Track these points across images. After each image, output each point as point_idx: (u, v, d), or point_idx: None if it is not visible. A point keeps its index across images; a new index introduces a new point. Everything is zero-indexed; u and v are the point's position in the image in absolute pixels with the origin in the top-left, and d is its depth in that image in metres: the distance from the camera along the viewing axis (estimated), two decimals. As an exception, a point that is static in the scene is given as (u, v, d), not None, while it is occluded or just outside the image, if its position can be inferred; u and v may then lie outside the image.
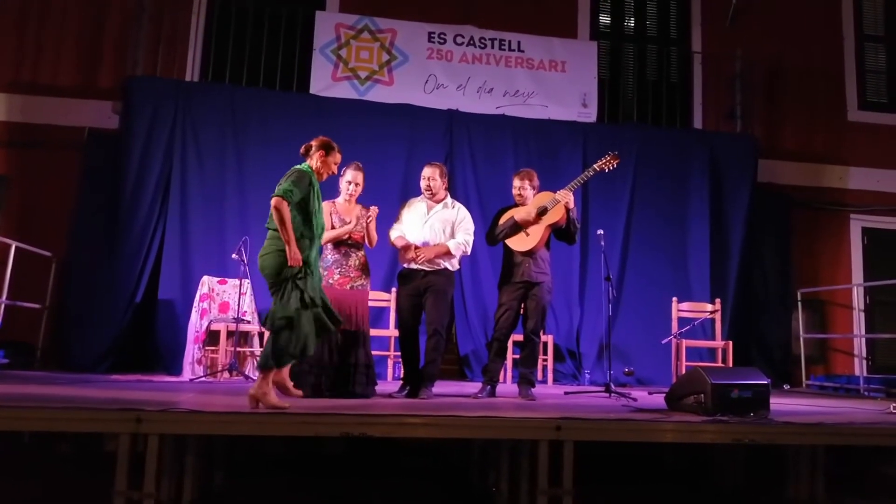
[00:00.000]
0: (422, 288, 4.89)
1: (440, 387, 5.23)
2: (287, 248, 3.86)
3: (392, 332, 6.46)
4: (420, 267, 4.90)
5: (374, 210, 4.80)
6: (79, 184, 7.11)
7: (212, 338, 6.16)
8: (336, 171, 4.30)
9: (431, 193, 5.03)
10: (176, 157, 7.01)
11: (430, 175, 5.02)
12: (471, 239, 5.06)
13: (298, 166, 4.10)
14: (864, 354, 8.37)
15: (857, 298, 8.45)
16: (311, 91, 7.52)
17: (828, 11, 9.19)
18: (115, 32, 7.74)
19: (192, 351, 6.11)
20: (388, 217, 5.16)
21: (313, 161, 4.13)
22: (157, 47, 7.62)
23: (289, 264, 3.87)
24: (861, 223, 8.79)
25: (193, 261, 6.86)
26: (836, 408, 5.06)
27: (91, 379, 5.49)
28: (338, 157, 4.22)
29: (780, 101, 8.88)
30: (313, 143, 4.16)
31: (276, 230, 3.93)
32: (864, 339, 8.42)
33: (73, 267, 6.88)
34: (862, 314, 8.49)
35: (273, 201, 3.89)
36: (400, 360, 5.32)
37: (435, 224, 4.98)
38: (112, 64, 7.67)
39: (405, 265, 4.99)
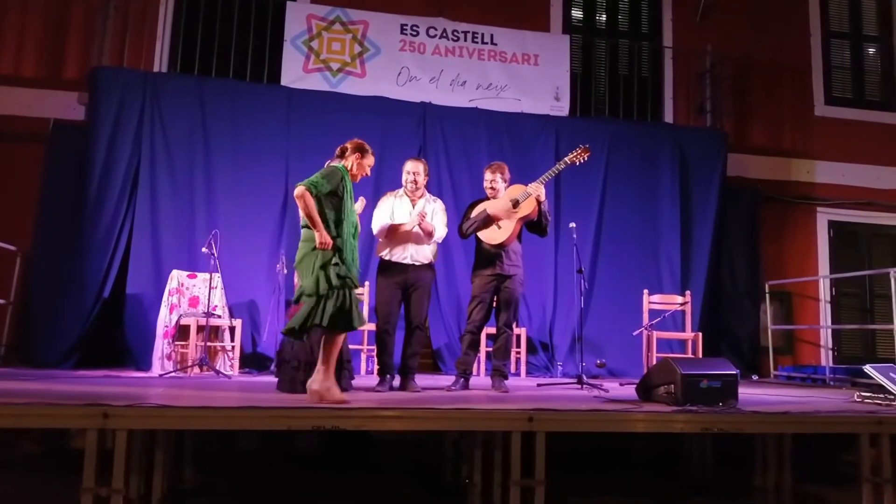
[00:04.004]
0: (409, 282, 4.88)
1: (413, 380, 5.22)
2: (316, 234, 3.82)
3: (367, 325, 6.39)
4: (408, 261, 4.87)
5: (361, 201, 4.76)
6: (44, 176, 6.96)
7: (181, 333, 6.08)
8: (369, 174, 4.25)
9: (416, 188, 5.02)
10: (144, 149, 6.88)
11: (416, 170, 5.01)
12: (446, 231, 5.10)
13: (334, 164, 4.07)
14: (830, 345, 8.55)
15: (824, 290, 8.63)
16: (282, 83, 7.43)
17: (795, 8, 9.34)
18: (80, 21, 7.56)
19: (161, 346, 6.03)
20: (366, 210, 5.10)
21: (349, 163, 4.10)
22: (124, 37, 7.47)
23: (316, 247, 3.82)
24: (827, 216, 8.95)
25: (162, 255, 6.75)
26: (802, 397, 5.16)
27: (57, 375, 5.39)
28: (371, 159, 4.20)
29: (748, 97, 9.01)
30: (349, 145, 4.13)
31: (307, 227, 3.89)
32: (830, 331, 8.59)
33: (39, 261, 6.73)
34: (828, 306, 8.67)
35: (295, 191, 3.85)
36: (373, 354, 5.29)
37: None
38: (78, 54, 7.50)
39: (388, 257, 4.92)
